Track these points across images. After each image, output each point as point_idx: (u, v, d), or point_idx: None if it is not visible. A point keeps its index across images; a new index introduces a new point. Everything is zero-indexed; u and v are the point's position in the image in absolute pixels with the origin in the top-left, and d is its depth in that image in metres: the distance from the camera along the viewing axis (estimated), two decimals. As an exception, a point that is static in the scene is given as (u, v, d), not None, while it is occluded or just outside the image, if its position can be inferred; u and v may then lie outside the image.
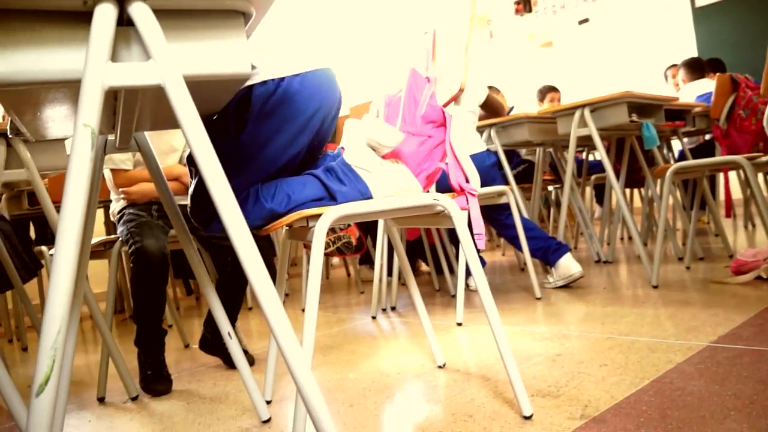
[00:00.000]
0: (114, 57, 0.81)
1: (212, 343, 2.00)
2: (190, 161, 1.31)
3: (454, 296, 2.85)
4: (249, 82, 1.23)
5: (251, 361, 2.00)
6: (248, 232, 0.83)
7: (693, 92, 4.06)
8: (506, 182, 2.92)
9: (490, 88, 4.05)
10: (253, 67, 1.21)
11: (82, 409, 1.72)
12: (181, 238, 1.49)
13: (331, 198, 1.27)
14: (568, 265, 2.61)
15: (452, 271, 3.00)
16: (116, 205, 2.11)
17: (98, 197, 1.45)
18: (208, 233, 1.48)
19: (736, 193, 4.45)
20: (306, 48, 1.30)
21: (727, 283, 2.31)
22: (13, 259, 2.65)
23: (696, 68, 4.24)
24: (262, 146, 1.26)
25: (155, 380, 1.77)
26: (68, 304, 0.74)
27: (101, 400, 1.78)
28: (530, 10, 7.22)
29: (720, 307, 1.93)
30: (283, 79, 1.24)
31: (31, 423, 0.71)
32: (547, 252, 2.65)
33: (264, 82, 1.24)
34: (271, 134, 1.25)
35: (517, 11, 7.28)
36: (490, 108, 3.08)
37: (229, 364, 1.99)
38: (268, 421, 1.41)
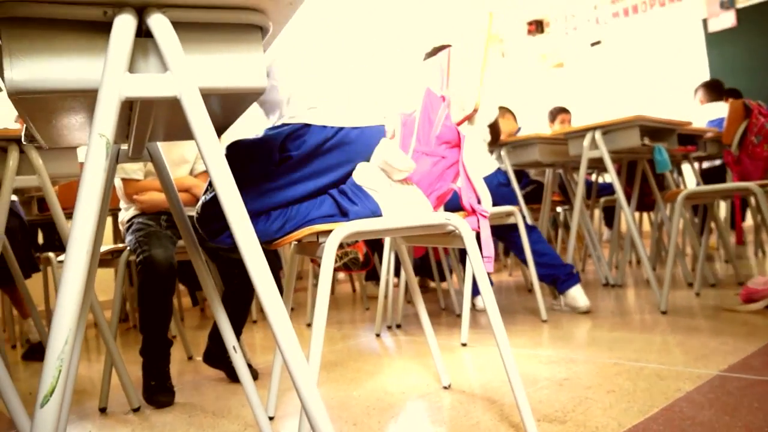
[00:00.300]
0: (131, 68, 0.81)
1: (216, 356, 1.99)
2: None
3: (459, 315, 2.83)
4: (308, 121, 1.27)
5: (255, 375, 1.98)
6: (258, 246, 0.83)
7: (710, 113, 4.07)
8: (516, 202, 2.91)
9: (501, 108, 4.05)
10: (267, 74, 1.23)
11: (83, 419, 1.71)
12: (190, 249, 1.48)
13: (343, 215, 1.27)
14: (576, 297, 2.59)
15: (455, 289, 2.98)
16: (125, 214, 2.11)
17: (108, 206, 1.45)
18: (214, 244, 1.48)
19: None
20: (364, 99, 1.35)
21: (737, 311, 2.28)
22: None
23: (715, 90, 4.28)
24: (296, 182, 1.29)
25: (158, 391, 1.76)
26: (77, 313, 0.73)
27: (103, 410, 1.77)
28: (543, 31, 7.26)
29: (730, 336, 1.91)
30: (342, 127, 1.28)
31: None
32: (557, 281, 2.63)
33: (324, 126, 1.28)
34: (313, 174, 1.30)
35: (529, 32, 7.33)
36: (493, 132, 3.07)
37: (233, 377, 1.97)
38: None
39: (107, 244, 2.15)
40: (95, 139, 0.77)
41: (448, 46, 2.36)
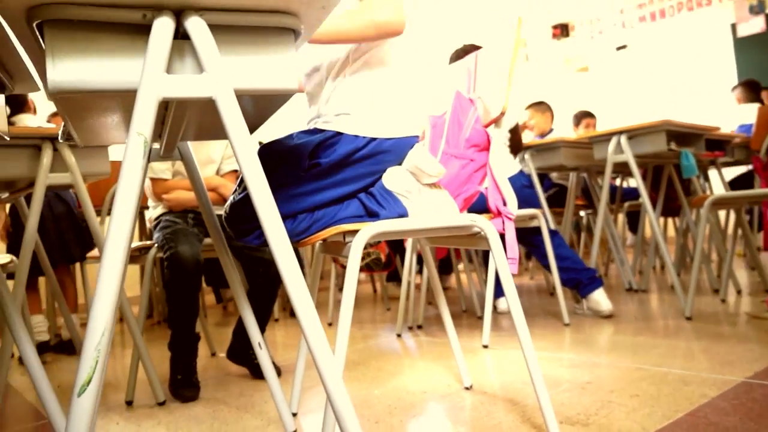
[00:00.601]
0: (168, 69, 0.83)
1: (240, 352, 2.02)
2: None
3: (480, 317, 2.83)
4: (341, 129, 1.28)
5: (278, 372, 2.01)
6: (289, 245, 0.85)
7: (746, 113, 4.04)
8: (539, 205, 2.90)
9: (542, 104, 4.05)
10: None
11: (110, 411, 1.75)
12: (218, 246, 1.51)
13: (370, 216, 1.28)
14: (598, 300, 2.58)
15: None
16: (153, 212, 2.15)
17: (139, 204, 1.48)
18: (241, 243, 1.51)
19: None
20: (402, 106, 1.34)
21: (764, 318, 2.25)
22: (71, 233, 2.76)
23: (753, 89, 4.26)
24: (325, 188, 1.28)
25: (184, 385, 1.80)
26: (114, 306, 0.76)
27: (129, 403, 1.81)
28: (567, 35, 7.21)
29: (756, 343, 1.88)
30: (375, 138, 1.29)
31: (71, 423, 0.73)
32: (579, 284, 2.62)
33: (356, 136, 1.28)
34: (342, 182, 1.29)
35: (554, 35, 7.28)
36: (513, 136, 3.04)
37: (256, 374, 2.00)
38: None
39: (133, 242, 2.19)
40: (133, 137, 0.79)
41: (475, 47, 2.37)
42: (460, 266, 4.11)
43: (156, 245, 2.00)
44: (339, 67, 1.33)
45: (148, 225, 2.18)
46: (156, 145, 1.41)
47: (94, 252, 3.11)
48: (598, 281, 2.61)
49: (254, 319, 1.51)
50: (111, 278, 0.76)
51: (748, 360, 1.70)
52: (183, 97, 0.83)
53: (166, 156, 1.43)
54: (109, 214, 3.12)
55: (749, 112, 4.07)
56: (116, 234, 0.77)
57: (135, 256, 2.17)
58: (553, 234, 2.70)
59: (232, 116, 0.83)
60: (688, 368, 1.67)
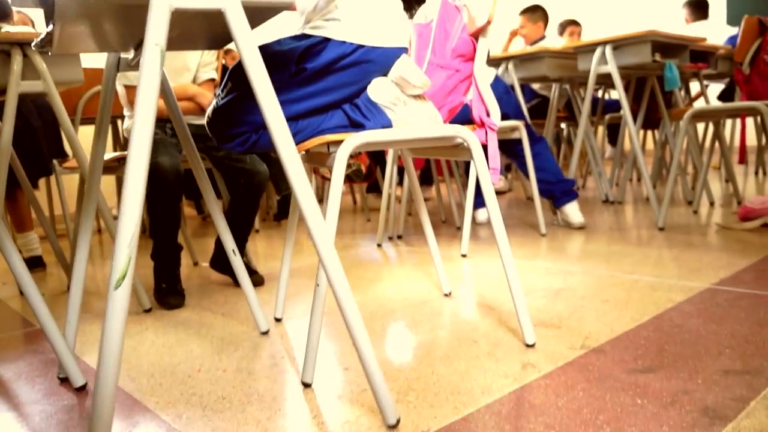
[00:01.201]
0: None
1: (223, 261, 2.05)
2: (232, 76, 1.30)
3: (459, 228, 2.89)
4: (328, 35, 1.24)
5: (261, 281, 2.05)
6: (293, 143, 0.93)
7: (696, 32, 4.02)
8: (521, 113, 2.89)
9: (537, 9, 3.94)
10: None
11: (97, 318, 1.79)
12: (190, 156, 1.51)
13: (353, 127, 1.27)
14: (569, 213, 2.65)
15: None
16: (130, 122, 2.11)
17: (111, 113, 1.45)
18: (224, 149, 1.49)
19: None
20: (393, 16, 1.29)
21: (733, 228, 2.33)
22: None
23: (699, 8, 4.20)
24: (309, 96, 1.26)
25: (169, 293, 1.83)
26: (141, 206, 0.82)
27: (116, 310, 1.84)
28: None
29: (724, 251, 1.96)
30: (362, 45, 1.24)
31: (110, 313, 0.79)
32: (554, 197, 2.68)
33: (343, 42, 1.24)
34: (326, 90, 1.27)
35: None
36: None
37: (239, 282, 2.04)
38: (266, 333, 1.50)
39: (108, 152, 2.15)
40: (150, 47, 0.82)
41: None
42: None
43: (134, 155, 1.97)
44: None
45: (125, 135, 2.13)
46: (126, 54, 1.37)
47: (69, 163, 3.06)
48: (572, 194, 2.65)
49: (228, 227, 1.54)
50: (137, 179, 0.82)
51: (714, 268, 1.77)
52: (194, 8, 0.87)
53: (138, 65, 1.38)
54: (82, 123, 3.04)
55: (698, 30, 4.04)
56: (140, 138, 0.83)
57: (112, 167, 2.14)
58: (539, 140, 2.71)
59: (240, 28, 0.89)
60: (658, 275, 1.74)
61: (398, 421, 0.95)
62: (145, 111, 0.83)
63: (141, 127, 0.82)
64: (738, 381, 1.00)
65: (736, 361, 1.09)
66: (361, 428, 0.94)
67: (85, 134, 2.77)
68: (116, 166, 2.12)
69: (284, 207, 3.51)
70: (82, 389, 1.21)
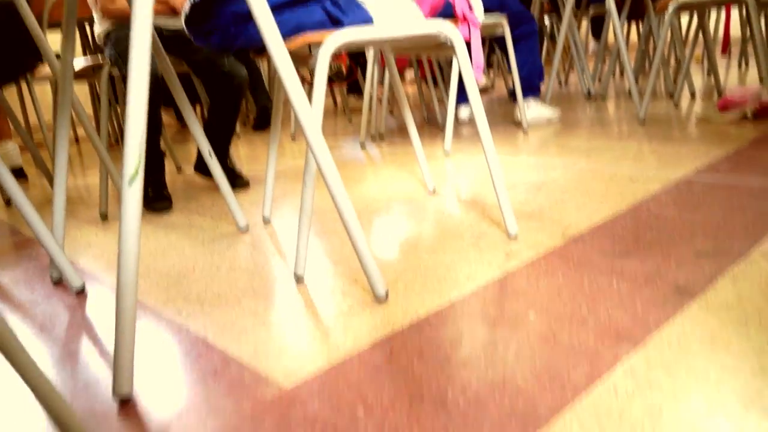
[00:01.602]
0: None
1: (207, 165, 2.05)
2: None
3: (441, 127, 2.89)
4: None
5: (246, 182, 2.06)
6: (280, 39, 0.95)
7: None
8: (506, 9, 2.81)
9: None
10: None
11: (87, 224, 1.80)
12: (159, 58, 1.48)
13: (333, 24, 1.24)
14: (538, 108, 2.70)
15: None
16: (101, 28, 2.02)
17: (76, 16, 1.39)
18: (203, 47, 1.45)
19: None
20: None
21: (713, 120, 2.36)
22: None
23: None
24: None
25: (157, 199, 1.84)
26: (145, 108, 0.84)
27: (104, 217, 1.86)
28: None
29: (702, 143, 2.00)
30: None
31: (125, 208, 0.82)
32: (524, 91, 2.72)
33: None
34: None
35: None
36: None
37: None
38: (246, 231, 1.53)
39: (78, 56, 2.08)
40: None
41: None
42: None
43: (109, 62, 1.91)
44: None
45: (98, 42, 2.05)
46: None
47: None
48: (533, 91, 2.70)
49: (202, 131, 1.55)
50: (140, 83, 0.84)
51: (692, 158, 1.81)
52: None
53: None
54: (50, 26, 2.90)
55: None
56: (140, 45, 0.85)
57: (88, 74, 2.08)
58: (530, 35, 2.67)
59: None
60: (637, 168, 1.78)
61: (387, 294, 1.05)
62: (142, 18, 0.84)
63: (140, 35, 0.84)
64: (708, 261, 1.06)
65: (707, 244, 1.14)
66: (353, 315, 0.99)
67: (53, 41, 2.66)
68: (90, 74, 2.06)
69: (263, 118, 3.46)
70: (81, 292, 1.25)
